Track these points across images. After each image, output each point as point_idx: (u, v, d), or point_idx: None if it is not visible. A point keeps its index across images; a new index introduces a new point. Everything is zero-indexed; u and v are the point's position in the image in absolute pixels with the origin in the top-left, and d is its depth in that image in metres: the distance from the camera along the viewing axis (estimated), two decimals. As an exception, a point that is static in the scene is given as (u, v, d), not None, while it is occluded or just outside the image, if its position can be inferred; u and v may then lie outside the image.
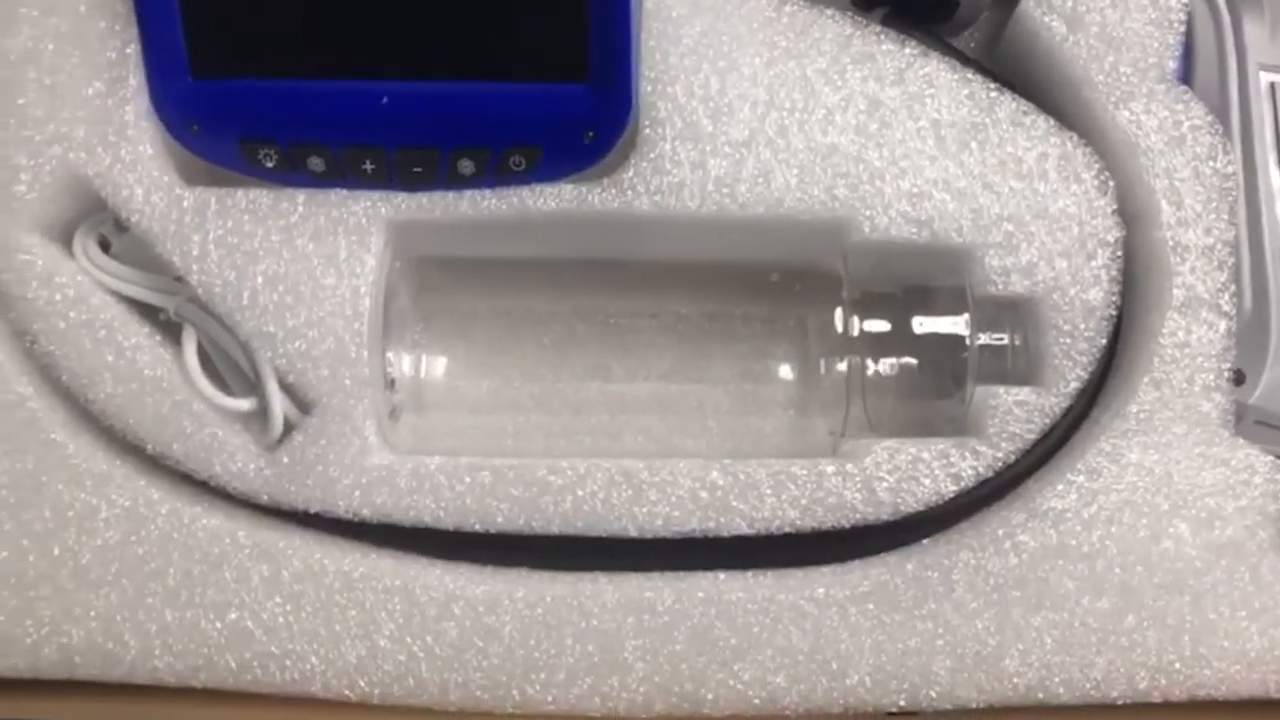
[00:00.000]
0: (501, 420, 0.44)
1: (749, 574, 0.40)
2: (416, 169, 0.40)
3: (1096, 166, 0.41)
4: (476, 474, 0.40)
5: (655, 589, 0.40)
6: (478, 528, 0.39)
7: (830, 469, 0.40)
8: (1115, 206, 0.41)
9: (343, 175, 0.40)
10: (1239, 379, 0.42)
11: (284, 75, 0.39)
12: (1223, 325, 0.41)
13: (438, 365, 0.44)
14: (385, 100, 0.39)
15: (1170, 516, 0.40)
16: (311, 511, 0.39)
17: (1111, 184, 0.41)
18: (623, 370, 0.45)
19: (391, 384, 0.41)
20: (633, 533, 0.40)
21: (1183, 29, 0.42)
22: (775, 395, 0.45)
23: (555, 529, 0.39)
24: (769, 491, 0.40)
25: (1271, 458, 0.41)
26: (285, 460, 0.39)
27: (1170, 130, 0.41)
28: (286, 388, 0.40)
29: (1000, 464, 0.40)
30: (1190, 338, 0.41)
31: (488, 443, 0.43)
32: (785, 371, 0.44)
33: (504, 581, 0.40)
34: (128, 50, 0.40)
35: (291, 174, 0.40)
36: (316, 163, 0.40)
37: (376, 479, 0.39)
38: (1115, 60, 0.42)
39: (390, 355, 0.41)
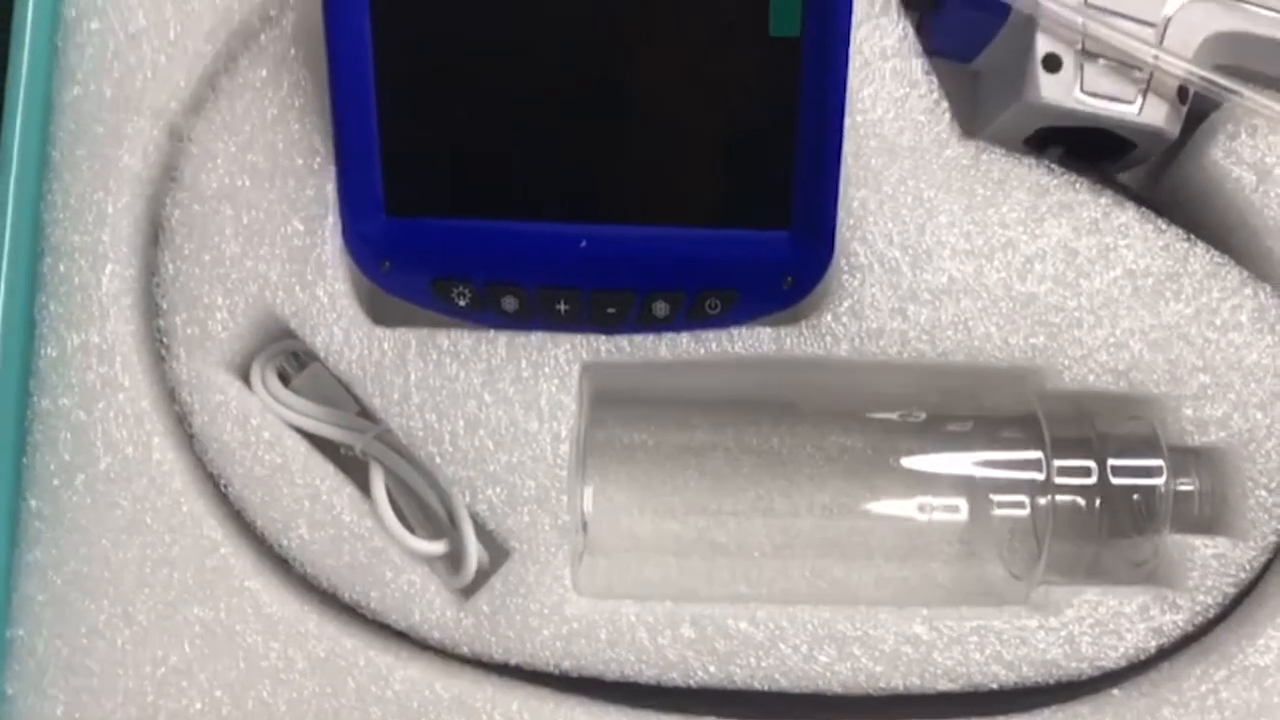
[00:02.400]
0: (670, 556, 0.43)
1: (952, 728, 0.40)
2: (610, 310, 0.40)
3: (1290, 318, 0.42)
4: (678, 626, 0.39)
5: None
6: (679, 682, 0.39)
7: (1032, 623, 0.40)
8: (1310, 360, 0.41)
9: (535, 315, 0.40)
10: None
11: (480, 215, 0.39)
12: None
13: (605, 499, 0.43)
14: (583, 244, 0.39)
15: (1370, 673, 0.40)
16: (510, 663, 0.39)
17: (1305, 336, 0.42)
18: (785, 502, 0.44)
19: (585, 526, 0.40)
20: (838, 689, 0.39)
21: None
22: (944, 533, 0.44)
23: (758, 684, 0.39)
24: (973, 647, 0.39)
25: None
26: (485, 609, 0.39)
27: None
28: (481, 532, 0.39)
29: (1200, 618, 0.40)
30: (1386, 490, 0.41)
31: (659, 580, 0.42)
32: (954, 509, 0.44)
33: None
34: (326, 188, 0.39)
35: (484, 313, 0.40)
36: (510, 302, 0.39)
37: (576, 629, 0.39)
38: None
39: (587, 498, 0.40)
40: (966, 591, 0.43)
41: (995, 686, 0.39)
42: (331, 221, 0.39)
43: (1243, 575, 0.41)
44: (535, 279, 0.39)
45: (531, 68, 0.38)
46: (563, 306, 0.39)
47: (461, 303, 0.39)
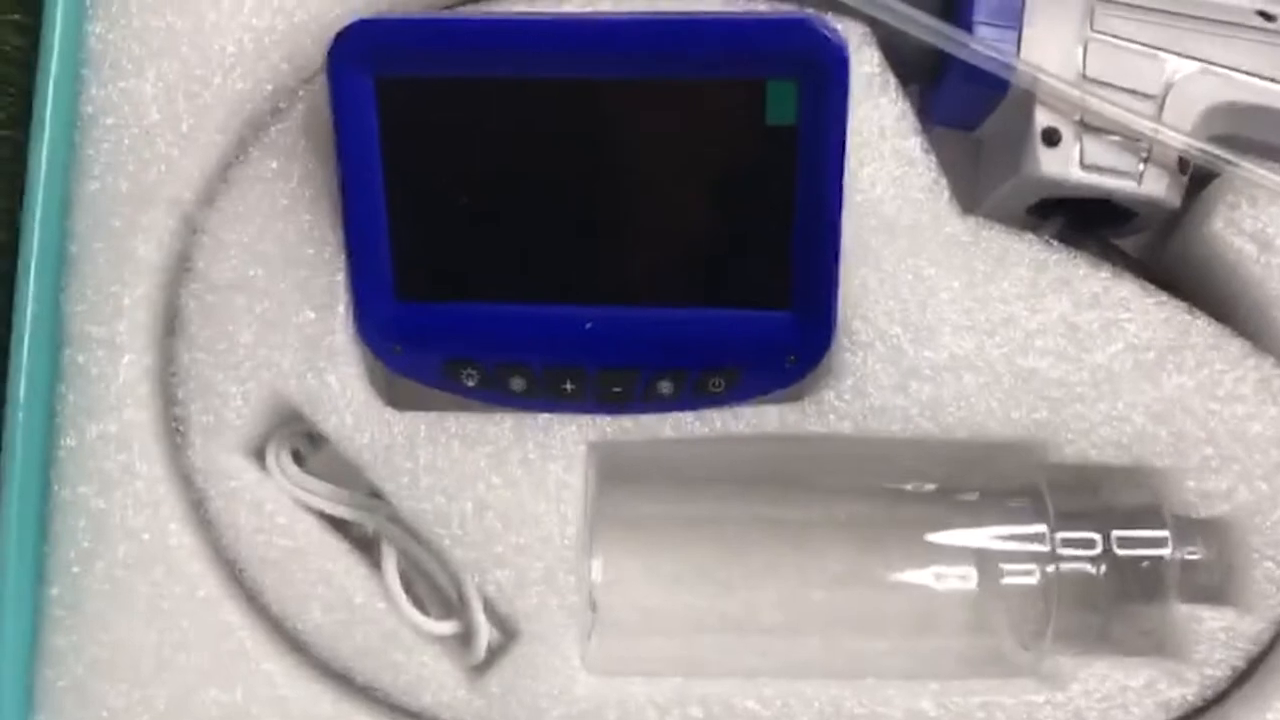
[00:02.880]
0: (681, 630, 0.44)
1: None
2: (616, 389, 0.40)
3: (1293, 389, 0.42)
4: (686, 706, 0.39)
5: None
6: (688, 761, 0.39)
7: (1039, 699, 0.40)
8: (1315, 431, 0.41)
9: (542, 395, 0.40)
10: None
11: (488, 299, 0.40)
12: None
13: (614, 573, 0.44)
14: (589, 326, 0.40)
15: (1381, 745, 0.40)
16: (521, 743, 0.39)
17: (1311, 407, 0.42)
18: (796, 573, 0.44)
19: (594, 605, 0.41)
20: (842, 757, 0.39)
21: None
22: (955, 603, 0.44)
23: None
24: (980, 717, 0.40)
25: None
26: (495, 690, 0.39)
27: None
28: (491, 612, 0.40)
29: (1209, 691, 0.40)
30: (1393, 560, 0.41)
31: (670, 654, 0.43)
32: (965, 580, 0.44)
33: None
34: (337, 277, 0.40)
35: (492, 392, 0.41)
36: (518, 383, 0.40)
37: (586, 710, 0.39)
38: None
39: (595, 572, 0.41)
40: (977, 662, 0.43)
41: (1003, 763, 0.40)
42: (342, 309, 0.40)
43: (1251, 648, 0.41)
44: (542, 359, 0.40)
45: (535, 158, 0.39)
46: (569, 386, 0.40)
47: (470, 383, 0.40)
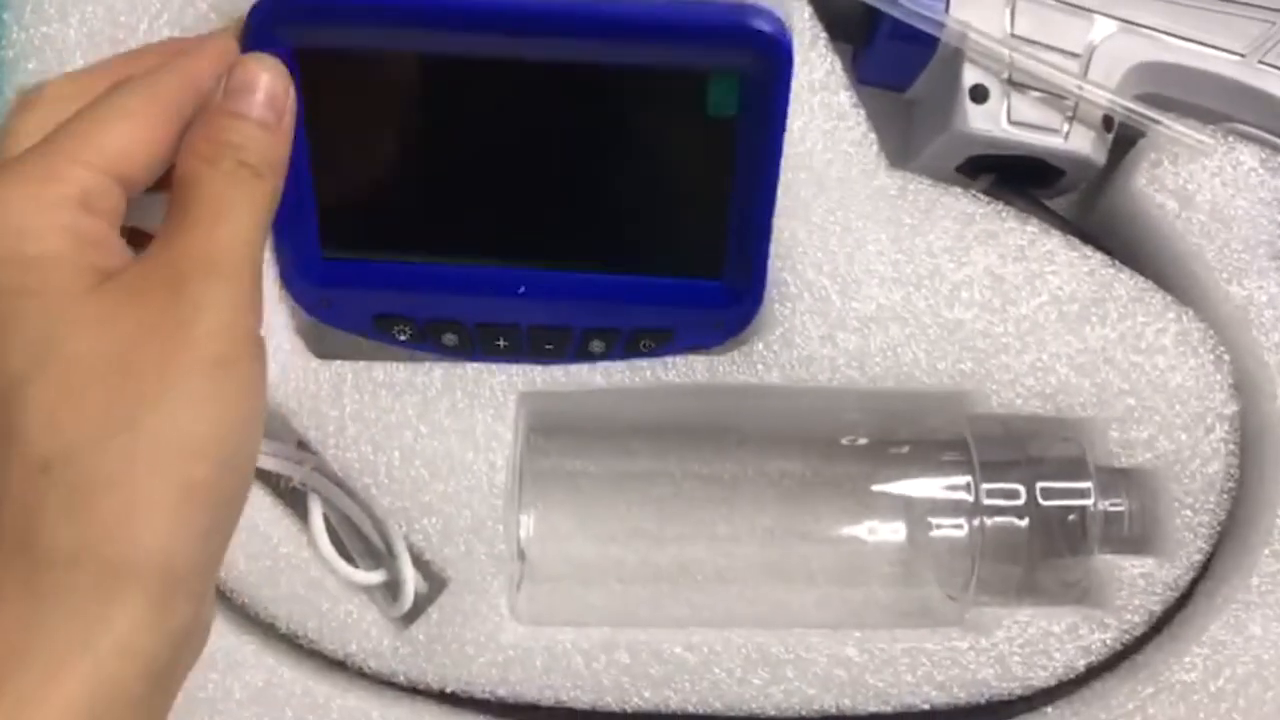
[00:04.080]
0: (612, 582, 0.44)
1: (889, 753, 0.40)
2: (548, 345, 0.41)
3: (1212, 341, 0.42)
4: (613, 652, 0.39)
5: (795, 768, 0.40)
6: (614, 707, 0.39)
7: (964, 644, 0.40)
8: (1231, 381, 0.42)
9: (475, 349, 0.41)
10: (1350, 547, 0.43)
11: (420, 258, 0.40)
12: (1339, 497, 0.42)
13: (546, 527, 0.44)
14: (522, 290, 0.40)
15: (1295, 689, 0.41)
16: (447, 691, 0.39)
17: (1226, 358, 0.42)
18: (727, 527, 0.45)
19: (522, 554, 0.41)
20: (771, 712, 0.39)
21: (1291, 208, 0.43)
22: (883, 556, 0.45)
23: (692, 709, 0.39)
24: (904, 668, 0.40)
25: (1389, 628, 0.42)
26: (421, 638, 0.39)
27: (1281, 305, 0.43)
28: (418, 561, 0.40)
29: (1128, 636, 0.41)
30: (1308, 509, 0.42)
31: (601, 607, 0.43)
32: (893, 532, 0.45)
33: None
34: (264, 223, 0.40)
35: (424, 346, 0.41)
36: (450, 339, 0.40)
37: (512, 657, 0.39)
38: (1227, 237, 0.43)
39: (522, 527, 0.41)
40: (905, 613, 0.43)
41: (927, 707, 0.40)
42: (267, 257, 0.40)
43: (1169, 594, 0.41)
44: (473, 317, 0.40)
45: (468, 129, 0.38)
46: (502, 342, 0.41)
47: (402, 338, 0.41)
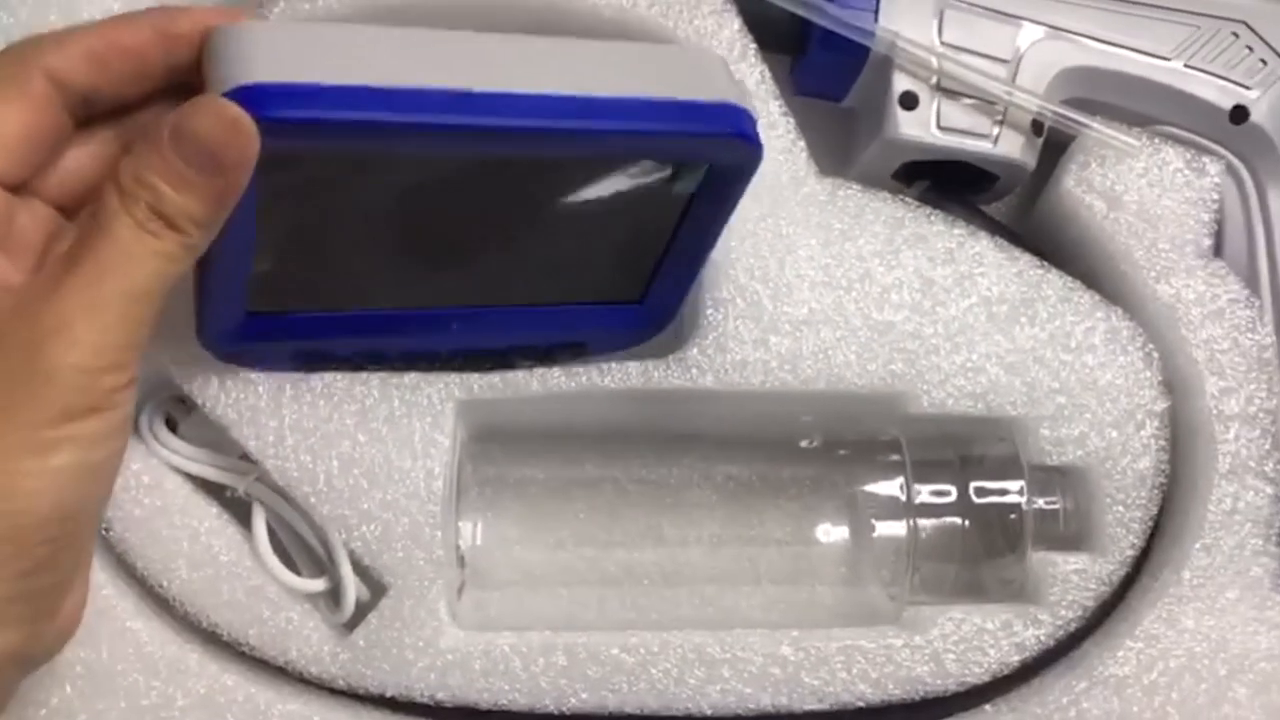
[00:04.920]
0: (558, 588, 0.44)
1: (824, 750, 0.41)
2: (473, 363, 0.42)
3: (1140, 339, 0.43)
4: (550, 654, 0.40)
5: (731, 767, 0.40)
6: (552, 709, 0.40)
7: (898, 642, 0.41)
8: (1160, 378, 0.43)
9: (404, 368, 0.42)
10: (1284, 540, 0.44)
11: (340, 308, 0.39)
12: (1269, 490, 0.42)
13: (493, 534, 0.44)
14: (454, 327, 0.40)
15: (1228, 681, 0.41)
16: (387, 695, 0.40)
17: (1155, 356, 0.43)
18: (674, 532, 0.45)
19: (462, 560, 0.42)
20: (707, 711, 0.40)
21: (1217, 206, 0.44)
22: (828, 557, 0.45)
23: (630, 709, 0.40)
24: (840, 666, 0.40)
25: (1321, 620, 0.42)
26: (361, 644, 0.40)
27: (1209, 304, 0.43)
28: (359, 568, 0.40)
29: (1062, 632, 0.41)
30: (1238, 504, 0.42)
31: (547, 612, 0.43)
32: (837, 534, 0.45)
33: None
34: (204, 239, 0.41)
35: (355, 371, 0.41)
36: (378, 368, 0.41)
37: (451, 661, 0.40)
38: (1154, 237, 0.44)
39: (463, 531, 0.41)
40: (847, 613, 0.44)
41: (862, 705, 0.40)
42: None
43: (1103, 589, 0.42)
44: (399, 351, 0.41)
45: (418, 198, 0.36)
46: (425, 365, 0.42)
47: (330, 369, 0.41)
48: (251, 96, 0.29)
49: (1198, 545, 0.42)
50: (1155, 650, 0.41)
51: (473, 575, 0.43)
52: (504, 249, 0.39)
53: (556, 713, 0.40)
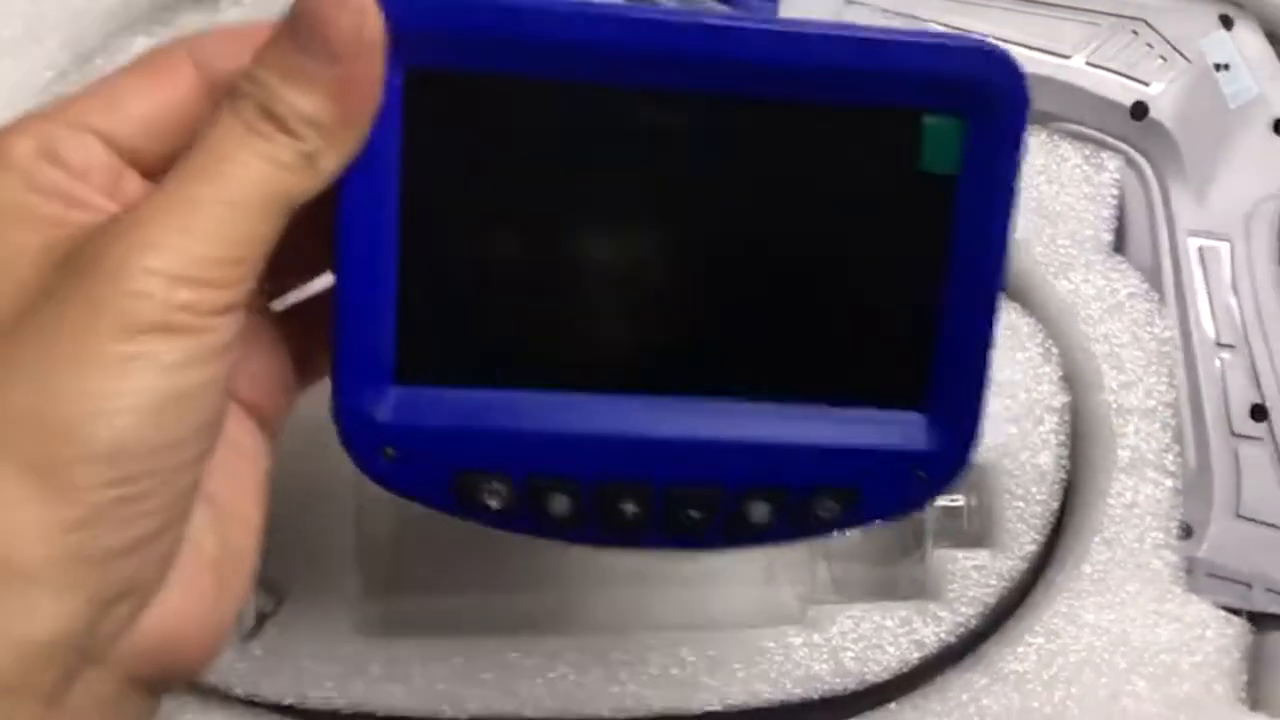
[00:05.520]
0: (458, 593, 0.44)
1: (722, 750, 0.41)
2: (691, 513, 0.29)
3: (1039, 335, 0.43)
4: (449, 659, 0.40)
5: (631, 770, 0.40)
6: (449, 714, 0.40)
7: (798, 640, 0.41)
8: (1060, 373, 0.43)
9: (590, 520, 0.30)
10: (1186, 532, 0.44)
11: (519, 384, 0.29)
12: (1168, 484, 0.43)
13: (394, 541, 0.44)
14: (659, 417, 0.29)
15: (1128, 674, 0.41)
16: (284, 703, 0.40)
17: (1055, 351, 0.43)
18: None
19: (361, 568, 0.42)
20: (605, 714, 0.40)
21: (1115, 202, 0.44)
22: (739, 559, 0.45)
23: (528, 713, 0.40)
24: (739, 666, 0.40)
25: (1222, 611, 0.42)
26: (258, 653, 0.40)
27: (1108, 298, 0.44)
28: (259, 577, 0.40)
29: (961, 628, 0.42)
30: (1138, 497, 0.42)
31: (446, 617, 0.43)
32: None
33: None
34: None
35: (520, 519, 0.30)
36: (561, 502, 0.29)
37: (351, 668, 0.40)
38: (1054, 233, 0.44)
39: (362, 539, 0.42)
40: (754, 615, 0.44)
41: (761, 704, 0.40)
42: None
43: (1003, 585, 0.42)
44: (594, 470, 0.29)
45: (604, 203, 0.29)
46: (629, 507, 0.29)
47: (494, 504, 0.29)
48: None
49: (1098, 539, 0.42)
50: (1055, 645, 0.41)
51: (371, 582, 0.43)
52: (722, 290, 0.29)
53: (453, 718, 0.40)
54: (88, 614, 0.23)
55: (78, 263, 0.23)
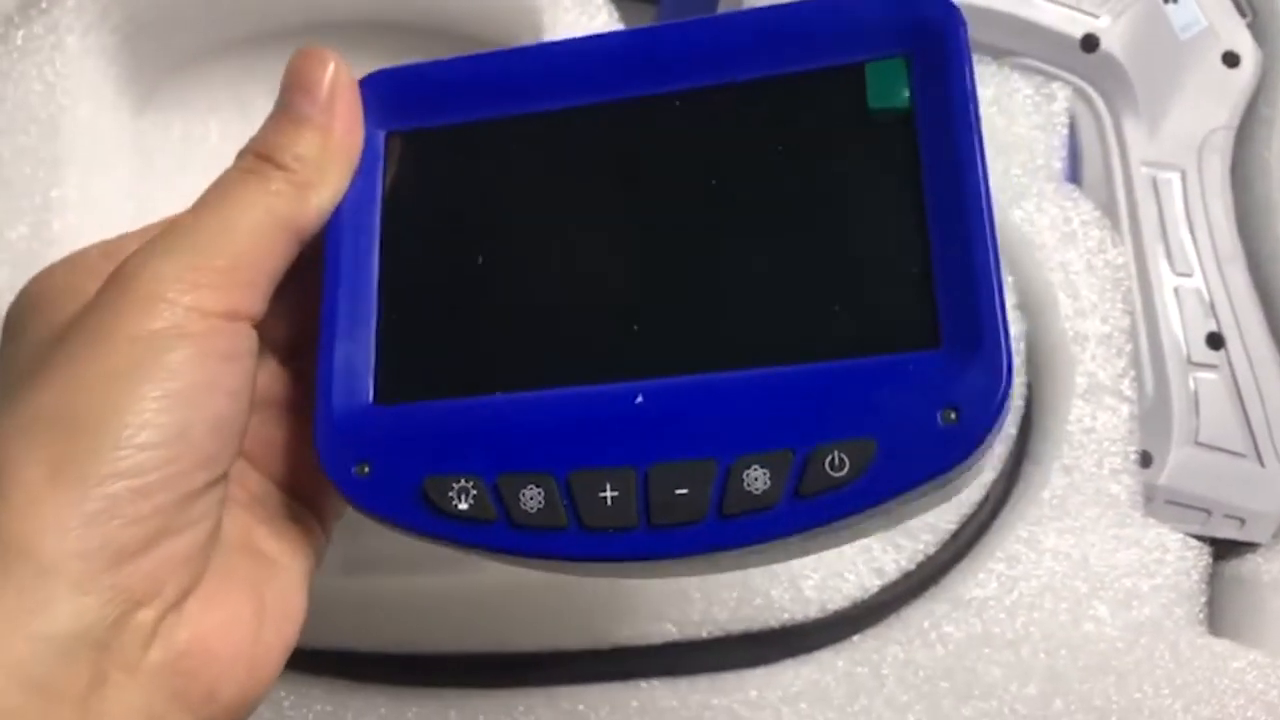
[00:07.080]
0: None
1: (681, 680, 0.40)
2: (680, 492, 0.27)
3: (995, 264, 0.43)
4: (413, 599, 0.40)
5: (589, 701, 0.40)
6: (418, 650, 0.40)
7: (757, 571, 0.41)
8: (1016, 300, 0.43)
9: (571, 518, 0.27)
10: (1145, 461, 0.44)
11: (497, 390, 0.29)
12: (1125, 410, 0.43)
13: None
14: (639, 399, 0.28)
15: (1089, 599, 0.41)
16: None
17: (1011, 280, 0.43)
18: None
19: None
20: (568, 645, 0.40)
21: (1066, 131, 0.44)
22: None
23: (484, 645, 0.40)
24: (697, 595, 0.40)
25: (1181, 535, 0.42)
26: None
27: (1062, 226, 0.44)
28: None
29: (921, 556, 0.41)
30: (1096, 423, 0.43)
31: (409, 558, 0.43)
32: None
33: (436, 701, 0.40)
34: (51, 194, 0.41)
35: (485, 524, 0.28)
36: (533, 495, 0.27)
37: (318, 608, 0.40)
38: (1006, 163, 0.44)
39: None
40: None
41: (721, 634, 0.40)
42: (59, 228, 0.41)
43: (963, 512, 0.42)
44: (569, 460, 0.27)
45: (568, 213, 0.30)
46: (609, 494, 0.27)
47: (462, 505, 0.28)
48: (366, 80, 0.30)
49: (1057, 465, 0.42)
50: (1016, 571, 0.41)
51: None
52: (698, 261, 0.28)
53: (412, 653, 0.40)
54: (106, 612, 0.24)
55: (110, 278, 0.26)
